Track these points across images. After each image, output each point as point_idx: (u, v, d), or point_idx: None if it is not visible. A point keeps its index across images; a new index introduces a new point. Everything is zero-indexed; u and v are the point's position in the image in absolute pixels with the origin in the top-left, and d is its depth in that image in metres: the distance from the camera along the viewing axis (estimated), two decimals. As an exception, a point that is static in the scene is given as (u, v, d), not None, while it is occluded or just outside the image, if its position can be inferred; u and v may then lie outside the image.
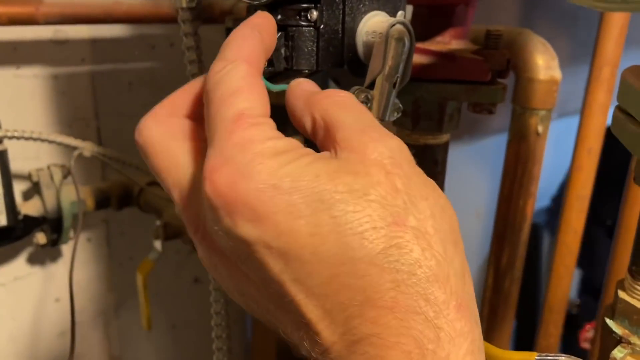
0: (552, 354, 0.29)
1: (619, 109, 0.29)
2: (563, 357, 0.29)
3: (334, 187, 0.20)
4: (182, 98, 0.27)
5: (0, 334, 0.77)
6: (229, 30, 0.59)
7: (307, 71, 0.31)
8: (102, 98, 0.78)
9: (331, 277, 0.20)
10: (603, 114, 0.57)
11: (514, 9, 1.06)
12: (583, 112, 0.58)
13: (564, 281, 0.61)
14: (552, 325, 0.63)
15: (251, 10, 0.31)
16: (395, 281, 0.20)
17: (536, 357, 0.29)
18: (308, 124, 0.25)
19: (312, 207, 0.20)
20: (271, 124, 0.23)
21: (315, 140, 0.25)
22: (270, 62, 0.29)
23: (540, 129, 0.47)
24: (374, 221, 0.20)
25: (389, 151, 0.22)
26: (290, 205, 0.20)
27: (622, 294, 0.30)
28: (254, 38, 0.26)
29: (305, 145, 0.24)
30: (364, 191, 0.20)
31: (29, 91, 0.73)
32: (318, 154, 0.23)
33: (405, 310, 0.20)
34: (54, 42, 0.73)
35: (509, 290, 0.51)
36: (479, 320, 0.23)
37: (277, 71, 0.31)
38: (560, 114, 1.25)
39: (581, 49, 0.79)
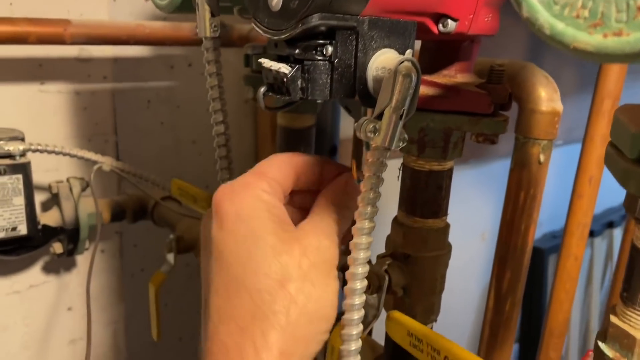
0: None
1: (611, 144, 0.31)
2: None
3: (266, 240, 0.31)
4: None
5: (13, 340, 0.79)
6: (247, 57, 0.62)
7: (320, 101, 0.33)
8: (121, 114, 0.81)
9: (229, 283, 0.31)
10: (603, 144, 0.59)
11: (523, 41, 1.08)
12: (584, 142, 0.60)
13: (565, 306, 0.63)
14: (552, 349, 0.64)
15: (270, 43, 0.33)
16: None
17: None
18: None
19: (247, 240, 0.31)
20: (278, 190, 0.33)
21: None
22: (287, 91, 0.32)
23: (542, 158, 0.49)
24: (271, 273, 0.30)
25: (316, 242, 0.32)
26: (237, 229, 0.31)
27: (613, 319, 0.31)
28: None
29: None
30: (280, 252, 0.31)
31: (52, 106, 0.76)
32: (283, 218, 0.32)
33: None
34: (78, 59, 0.76)
35: (510, 314, 0.53)
36: None
37: (293, 100, 0.33)
38: (567, 141, 1.26)
39: (587, 79, 0.81)
